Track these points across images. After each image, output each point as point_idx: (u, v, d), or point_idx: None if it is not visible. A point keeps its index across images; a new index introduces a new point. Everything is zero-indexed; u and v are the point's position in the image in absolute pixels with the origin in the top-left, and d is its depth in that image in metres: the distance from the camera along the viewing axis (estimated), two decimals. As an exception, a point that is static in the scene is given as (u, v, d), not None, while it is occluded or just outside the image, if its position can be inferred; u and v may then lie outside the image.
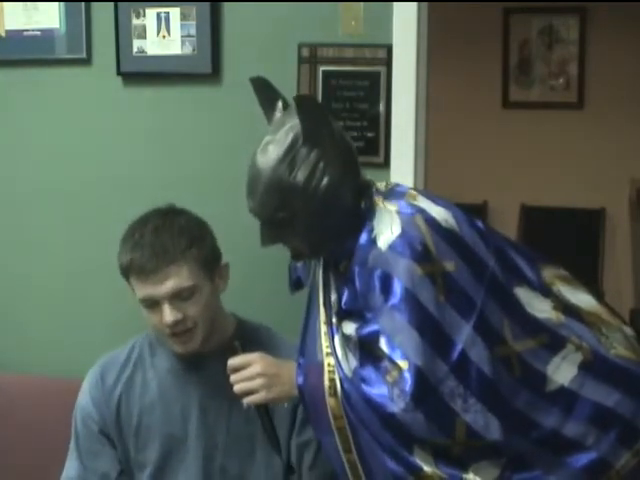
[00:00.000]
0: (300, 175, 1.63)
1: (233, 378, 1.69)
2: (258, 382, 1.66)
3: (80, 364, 2.00)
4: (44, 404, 2.13)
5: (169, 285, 1.75)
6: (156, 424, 1.87)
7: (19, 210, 2.42)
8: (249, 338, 1.83)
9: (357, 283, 1.63)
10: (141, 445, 1.88)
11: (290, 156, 1.64)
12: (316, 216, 1.66)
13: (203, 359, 1.86)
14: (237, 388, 1.68)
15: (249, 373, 1.67)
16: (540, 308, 1.66)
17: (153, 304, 1.77)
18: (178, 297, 1.76)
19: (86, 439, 1.90)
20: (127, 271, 1.80)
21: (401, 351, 1.54)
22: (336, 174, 1.64)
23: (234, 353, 1.72)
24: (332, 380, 1.60)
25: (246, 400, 1.68)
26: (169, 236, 1.79)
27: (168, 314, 1.75)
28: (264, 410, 1.71)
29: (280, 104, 1.74)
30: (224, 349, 1.78)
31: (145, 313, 1.81)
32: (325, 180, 1.64)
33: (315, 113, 1.65)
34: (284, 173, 1.64)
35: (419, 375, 1.53)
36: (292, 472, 1.86)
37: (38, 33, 2.31)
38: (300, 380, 1.64)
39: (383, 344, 1.57)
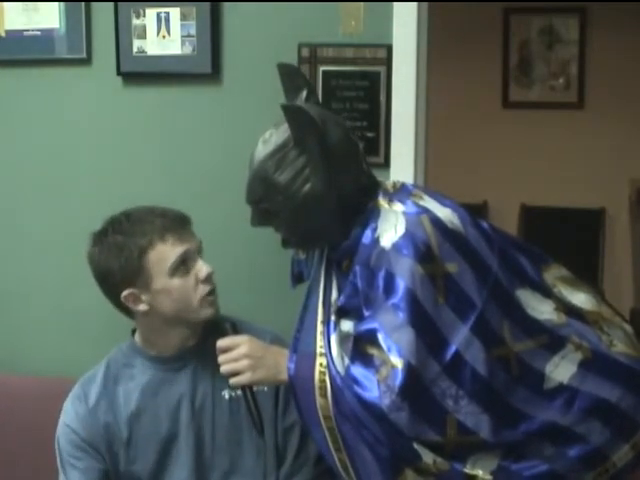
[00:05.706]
0: (284, 176, 1.66)
1: (221, 359, 1.72)
2: (244, 363, 1.69)
3: (79, 364, 2.00)
4: (44, 404, 2.13)
5: (197, 238, 1.86)
6: (147, 430, 1.87)
7: (18, 210, 2.41)
8: (219, 330, 1.81)
9: (359, 282, 1.64)
10: (134, 455, 1.87)
11: (280, 154, 1.66)
12: (296, 216, 1.68)
13: (180, 360, 1.89)
14: (223, 369, 1.71)
15: (236, 354, 1.70)
16: (541, 309, 1.67)
17: (186, 265, 1.80)
18: (200, 252, 1.87)
19: (71, 452, 1.89)
20: (155, 241, 1.79)
21: (397, 348, 1.55)
22: (320, 183, 1.65)
23: (224, 334, 1.76)
24: (323, 381, 1.62)
25: (232, 381, 1.71)
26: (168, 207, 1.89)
27: (205, 266, 1.83)
28: (249, 392, 1.74)
29: (304, 94, 1.73)
30: (198, 348, 1.86)
31: (176, 285, 1.79)
32: (307, 187, 1.65)
33: (302, 123, 1.64)
34: (270, 169, 1.67)
35: (411, 373, 1.54)
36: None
37: (38, 33, 2.31)
38: (291, 369, 1.66)
39: (381, 340, 1.57)
